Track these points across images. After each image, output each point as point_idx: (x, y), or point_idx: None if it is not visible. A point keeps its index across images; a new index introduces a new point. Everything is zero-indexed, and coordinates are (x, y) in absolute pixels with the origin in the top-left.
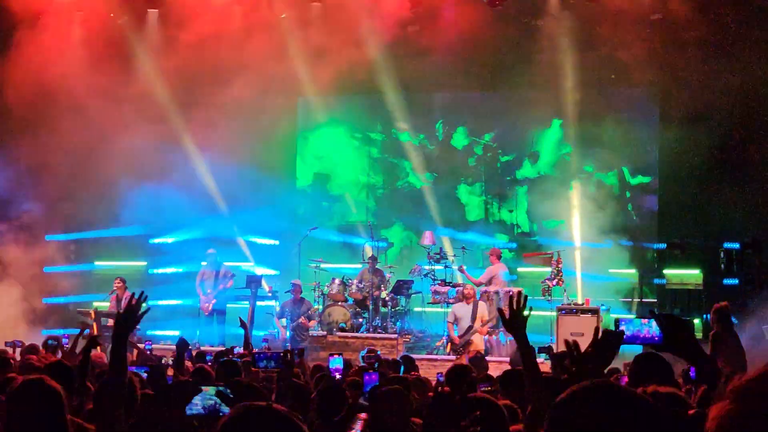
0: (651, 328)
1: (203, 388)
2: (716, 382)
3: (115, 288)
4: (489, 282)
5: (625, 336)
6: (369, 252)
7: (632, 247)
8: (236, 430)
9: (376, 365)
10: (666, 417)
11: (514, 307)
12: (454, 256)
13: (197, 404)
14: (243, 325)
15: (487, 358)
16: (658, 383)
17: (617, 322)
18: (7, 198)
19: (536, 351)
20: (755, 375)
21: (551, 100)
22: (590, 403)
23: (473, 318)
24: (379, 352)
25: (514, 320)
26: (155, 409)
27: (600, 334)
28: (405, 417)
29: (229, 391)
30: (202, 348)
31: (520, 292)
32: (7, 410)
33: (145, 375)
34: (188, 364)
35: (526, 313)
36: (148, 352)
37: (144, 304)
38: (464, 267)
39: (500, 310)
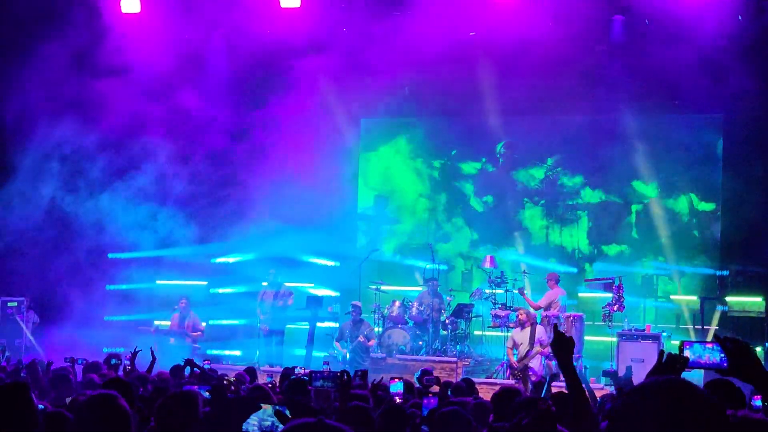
0: (713, 353)
1: (262, 406)
2: None
3: (179, 306)
4: (548, 307)
5: (689, 360)
6: (418, 277)
7: (694, 273)
8: None
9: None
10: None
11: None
12: (515, 279)
13: (254, 423)
14: None
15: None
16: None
17: (682, 345)
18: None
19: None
20: None
21: (614, 125)
22: (658, 395)
23: (531, 342)
24: (433, 371)
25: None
26: (214, 426)
27: (665, 357)
28: None
29: (287, 410)
30: (261, 368)
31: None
32: (76, 421)
33: (207, 395)
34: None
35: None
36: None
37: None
38: (524, 290)
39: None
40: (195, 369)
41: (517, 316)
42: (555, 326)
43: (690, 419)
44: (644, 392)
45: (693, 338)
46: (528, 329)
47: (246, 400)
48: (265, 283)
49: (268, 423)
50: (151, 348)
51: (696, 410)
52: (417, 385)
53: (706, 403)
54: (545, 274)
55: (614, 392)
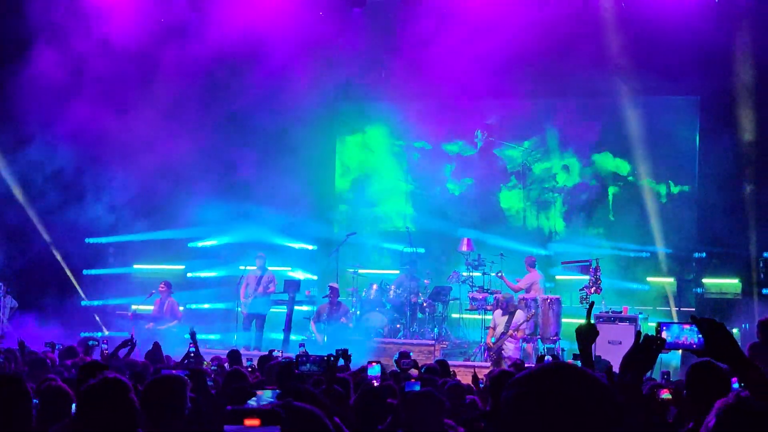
0: (690, 334)
1: (258, 392)
2: (762, 389)
3: (159, 291)
4: (528, 289)
5: (666, 342)
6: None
7: (671, 255)
8: None
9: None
10: (615, 399)
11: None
12: (492, 262)
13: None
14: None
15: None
16: (718, 394)
17: (659, 326)
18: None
19: (572, 357)
20: None
21: (591, 107)
22: (544, 380)
23: (507, 326)
24: (411, 354)
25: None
26: (206, 414)
27: (641, 338)
28: (438, 419)
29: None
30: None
31: (592, 303)
32: (82, 405)
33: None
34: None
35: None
36: (192, 355)
37: None
38: (502, 273)
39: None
40: (191, 349)
41: (507, 302)
42: (590, 307)
43: (579, 403)
44: (532, 380)
45: (671, 320)
46: (508, 315)
47: (241, 389)
48: (242, 267)
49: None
50: (132, 334)
51: (585, 393)
52: (395, 368)
53: (595, 386)
54: (522, 257)
55: None
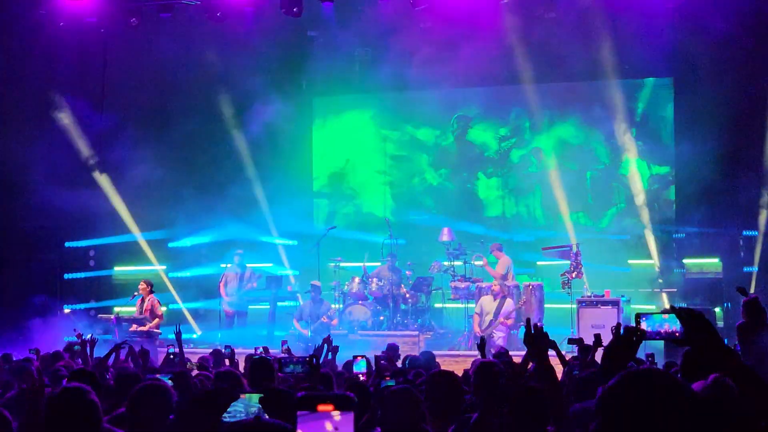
0: (671, 323)
1: (242, 395)
2: (741, 377)
3: (140, 290)
4: (505, 275)
5: (646, 332)
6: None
7: (651, 237)
8: None
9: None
10: (704, 402)
11: (532, 330)
12: (473, 251)
13: (238, 411)
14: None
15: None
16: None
17: (638, 317)
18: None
19: (566, 342)
20: None
21: (566, 92)
22: (638, 387)
23: (497, 314)
24: (397, 345)
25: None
26: (189, 416)
27: (621, 330)
28: (414, 417)
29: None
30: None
31: (528, 319)
32: (46, 415)
33: (169, 382)
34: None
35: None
36: (172, 357)
37: None
38: (484, 258)
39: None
40: (170, 350)
41: (492, 286)
42: (527, 320)
43: (669, 408)
44: (622, 388)
45: (652, 303)
46: (498, 300)
47: (223, 390)
48: (224, 265)
49: (254, 411)
50: (117, 338)
51: (673, 398)
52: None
53: (681, 390)
54: (502, 245)
55: (578, 355)
